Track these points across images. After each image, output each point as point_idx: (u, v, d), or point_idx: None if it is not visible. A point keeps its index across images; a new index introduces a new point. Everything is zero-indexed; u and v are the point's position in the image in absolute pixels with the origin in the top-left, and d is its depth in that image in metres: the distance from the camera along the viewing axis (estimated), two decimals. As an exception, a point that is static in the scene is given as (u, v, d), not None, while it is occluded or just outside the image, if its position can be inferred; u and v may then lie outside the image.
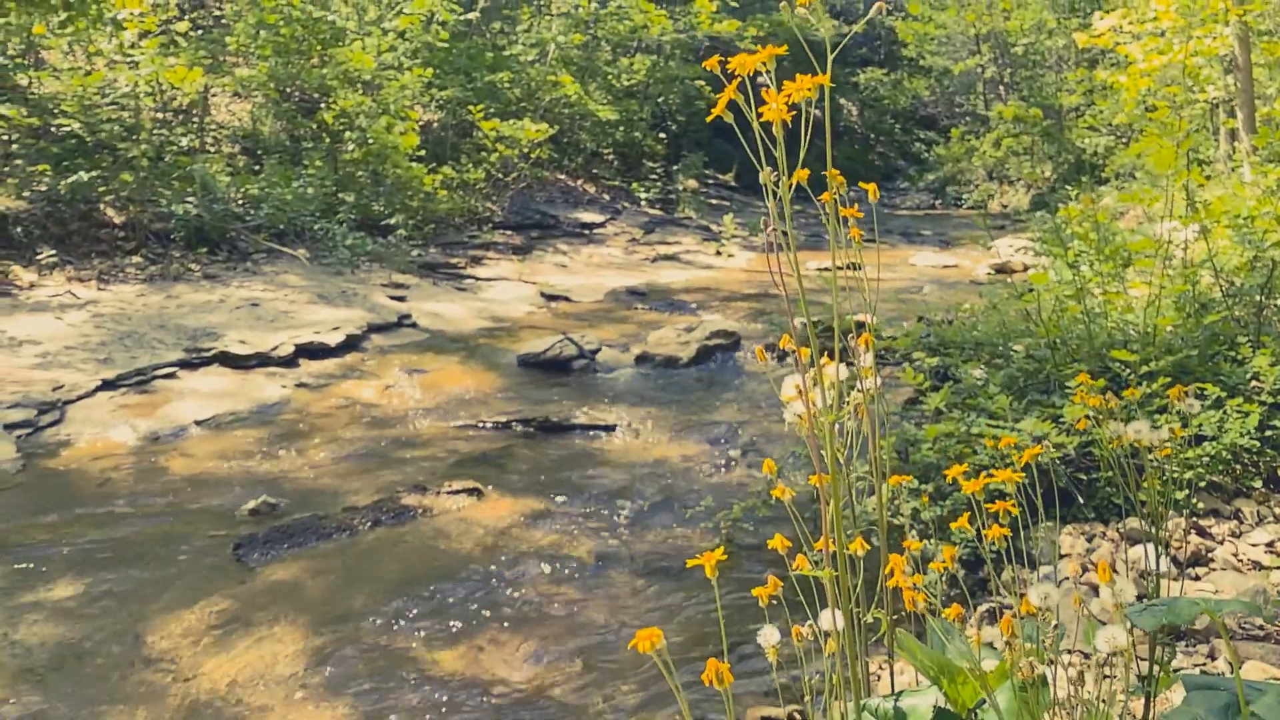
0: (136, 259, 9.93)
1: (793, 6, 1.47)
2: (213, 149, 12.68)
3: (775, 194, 1.42)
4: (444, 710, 3.33)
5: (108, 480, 5.44)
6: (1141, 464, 2.05)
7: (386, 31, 14.38)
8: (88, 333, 7.78)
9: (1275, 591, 3.30)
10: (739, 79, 1.36)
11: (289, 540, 4.65)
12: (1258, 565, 3.56)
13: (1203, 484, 3.95)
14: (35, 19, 10.52)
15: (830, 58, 1.42)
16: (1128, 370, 4.26)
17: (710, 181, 20.77)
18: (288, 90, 13.89)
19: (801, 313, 1.56)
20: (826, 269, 9.39)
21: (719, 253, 14.57)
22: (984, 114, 23.34)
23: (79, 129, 10.40)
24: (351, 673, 3.56)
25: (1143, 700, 1.94)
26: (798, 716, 2.98)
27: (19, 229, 9.57)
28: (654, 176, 18.62)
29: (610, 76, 18.60)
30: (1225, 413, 3.92)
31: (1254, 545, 3.67)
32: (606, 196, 17.70)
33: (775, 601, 1.69)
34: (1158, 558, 2.12)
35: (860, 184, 1.85)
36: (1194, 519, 3.83)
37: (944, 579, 2.02)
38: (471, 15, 16.92)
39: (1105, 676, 1.78)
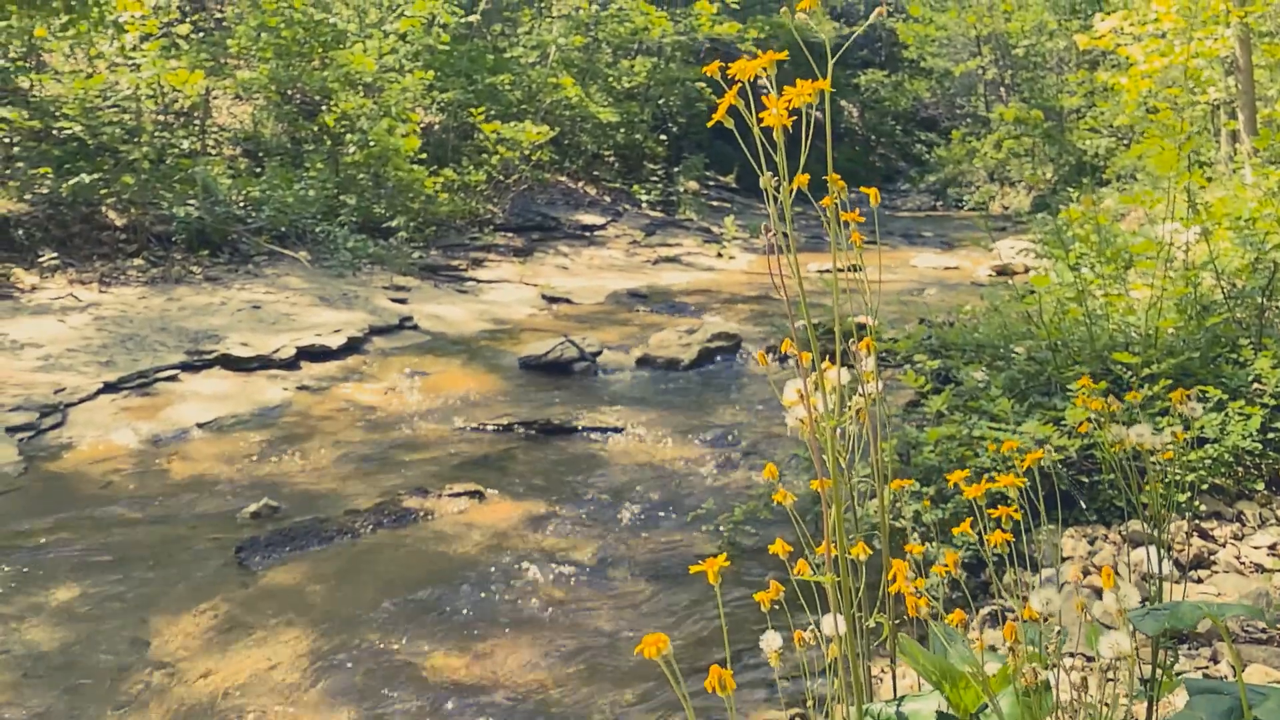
0: (138, 261, 9.94)
1: (793, 11, 1.47)
2: (214, 151, 12.69)
3: (776, 199, 1.42)
4: (446, 714, 3.33)
5: (109, 483, 5.44)
6: (1143, 466, 2.05)
7: (387, 34, 14.40)
8: (89, 335, 7.78)
9: (1278, 594, 3.29)
10: (739, 85, 1.36)
11: (290, 543, 4.65)
12: (1260, 568, 3.56)
13: (1205, 486, 3.95)
14: (37, 22, 10.53)
15: (831, 62, 1.42)
16: (1129, 372, 4.26)
17: (711, 183, 20.77)
18: (289, 93, 13.90)
19: (803, 315, 1.56)
20: (828, 271, 9.42)
21: (720, 255, 14.57)
22: (985, 115, 23.34)
23: (80, 132, 10.41)
24: (353, 676, 3.56)
25: (1145, 704, 1.94)
26: (800, 720, 2.97)
27: (20, 232, 9.57)
28: (655, 178, 18.63)
29: (611, 78, 18.60)
30: (1227, 415, 3.92)
31: (1256, 548, 3.67)
32: (607, 198, 17.70)
33: (777, 606, 1.69)
34: (1160, 561, 2.12)
35: (861, 186, 1.85)
36: (1196, 521, 3.82)
37: (945, 582, 2.02)
38: (472, 18, 16.93)
39: (1108, 680, 1.78)
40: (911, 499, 3.74)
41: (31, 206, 9.91)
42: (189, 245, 10.39)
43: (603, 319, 10.02)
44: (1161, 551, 2.10)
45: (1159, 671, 1.95)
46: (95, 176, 9.92)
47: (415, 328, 9.22)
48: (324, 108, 13.43)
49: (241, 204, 11.30)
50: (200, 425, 6.34)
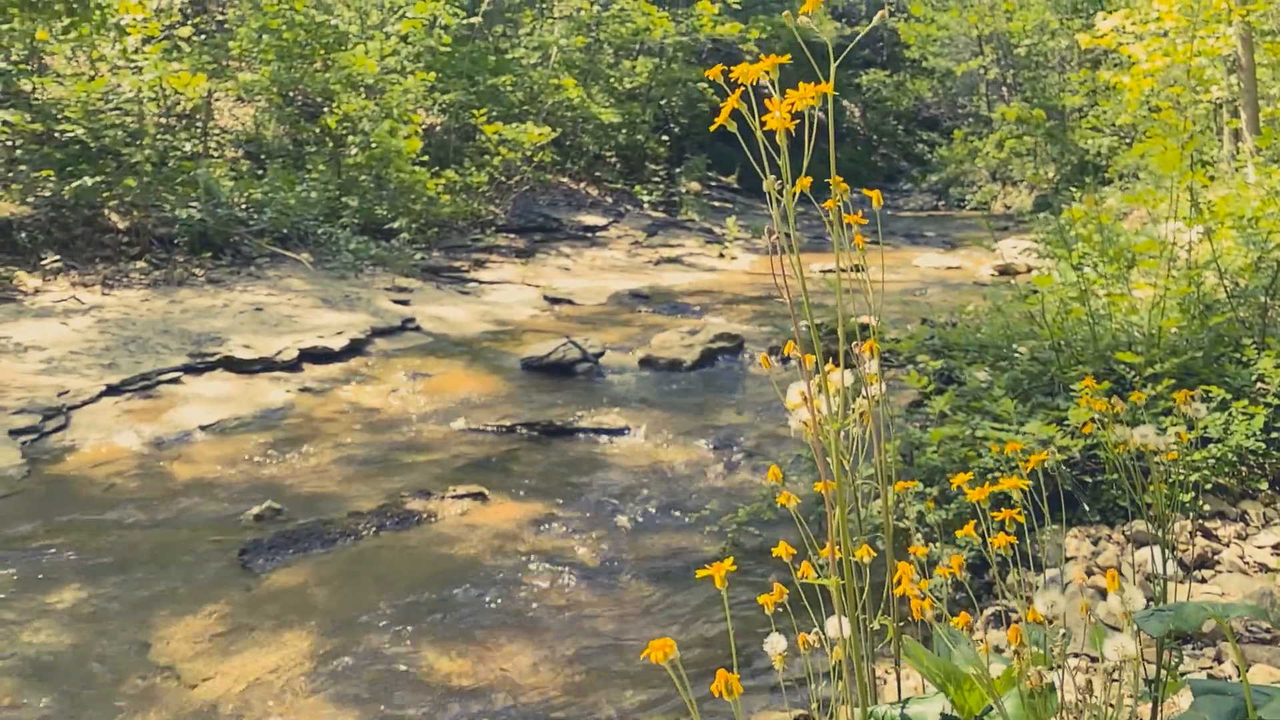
0: (140, 264, 9.95)
1: (795, 15, 1.47)
2: (216, 154, 12.70)
3: (779, 201, 1.42)
4: (450, 718, 3.33)
5: (113, 486, 5.44)
6: (1147, 466, 2.05)
7: (389, 35, 14.41)
8: (92, 338, 7.79)
9: (1282, 594, 3.29)
10: (742, 89, 1.36)
11: (294, 546, 4.65)
12: (1264, 567, 3.55)
13: (1208, 486, 3.94)
14: (39, 25, 10.54)
15: (834, 66, 1.42)
16: (1132, 372, 4.25)
17: (713, 184, 20.77)
18: (291, 95, 13.91)
19: (805, 317, 1.55)
20: (830, 271, 9.40)
21: (722, 255, 14.57)
22: (987, 115, 23.32)
23: (83, 134, 10.42)
24: (357, 679, 3.56)
25: (1150, 705, 1.94)
26: (804, 721, 2.97)
27: (23, 234, 9.59)
28: (657, 179, 18.62)
29: (613, 79, 18.60)
30: (1230, 415, 3.91)
31: (1260, 547, 3.66)
32: (609, 199, 17.70)
33: (781, 609, 1.69)
34: (1164, 561, 2.11)
35: (863, 186, 1.85)
36: (1200, 521, 3.82)
37: (949, 583, 2.02)
38: (474, 19, 16.94)
39: (1113, 680, 1.78)
40: (915, 500, 3.74)
41: (34, 209, 9.92)
42: (191, 247, 10.40)
43: (605, 320, 10.02)
44: (1165, 551, 2.09)
45: (1164, 672, 1.95)
46: (97, 179, 9.93)
47: (417, 329, 9.22)
48: (326, 109, 13.44)
49: (243, 206, 11.31)
50: (203, 427, 6.35)
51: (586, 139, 18.09)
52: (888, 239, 15.29)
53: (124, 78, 10.94)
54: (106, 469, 5.67)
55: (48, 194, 9.98)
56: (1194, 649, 3.04)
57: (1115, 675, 1.70)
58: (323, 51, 13.27)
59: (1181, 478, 3.64)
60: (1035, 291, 5.05)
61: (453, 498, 5.18)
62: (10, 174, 10.09)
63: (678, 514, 5.01)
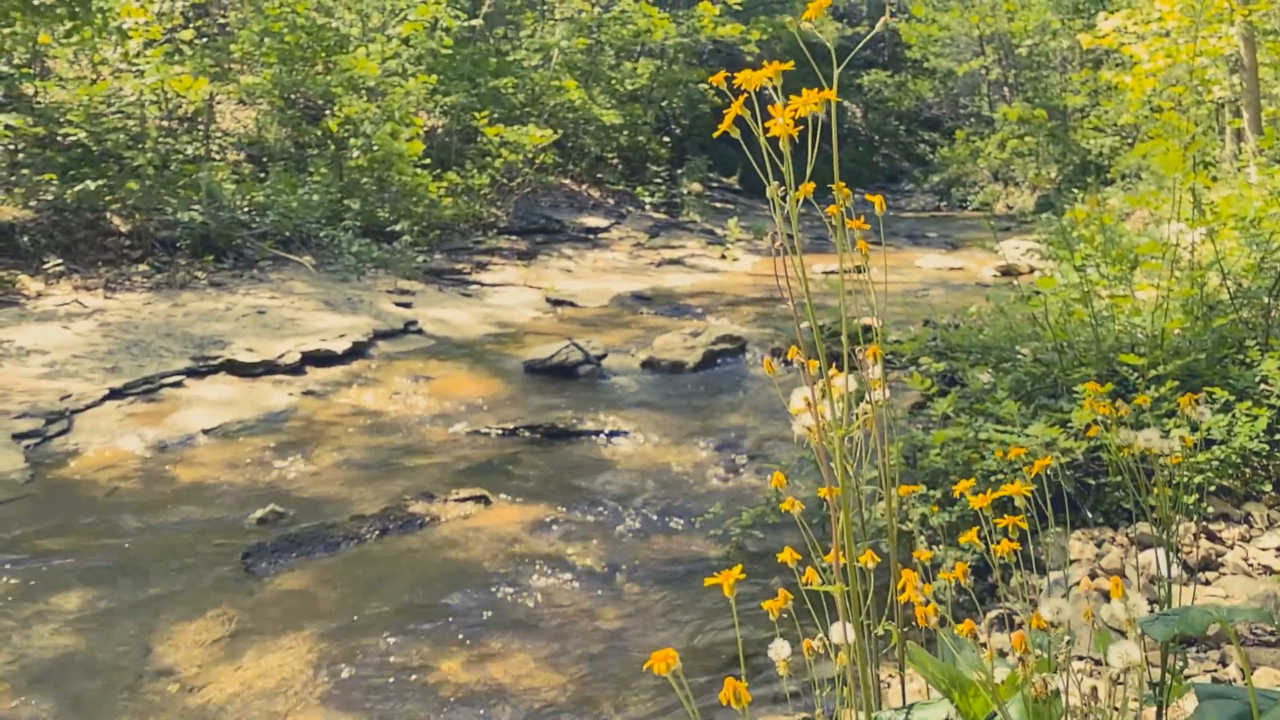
0: (143, 267, 9.96)
1: (796, 16, 1.47)
2: (218, 157, 12.71)
3: (783, 209, 1.42)
4: (453, 720, 3.33)
5: (116, 489, 5.45)
6: (1150, 468, 2.04)
7: (390, 38, 14.41)
8: (95, 342, 7.80)
9: (1286, 596, 3.28)
10: (745, 95, 1.36)
11: (297, 549, 4.65)
12: (1268, 570, 3.55)
13: (1212, 488, 3.93)
14: (41, 28, 10.55)
15: (837, 72, 1.42)
16: (1135, 374, 4.25)
17: (715, 185, 20.76)
18: (292, 97, 13.92)
19: (809, 319, 1.55)
20: (832, 272, 9.38)
21: (724, 256, 14.56)
22: (988, 115, 23.30)
23: (85, 138, 10.43)
24: (360, 683, 3.56)
25: (1154, 709, 1.93)
26: (808, 725, 2.97)
27: (26, 238, 9.60)
28: (658, 180, 18.62)
29: (614, 81, 18.60)
30: (1234, 416, 3.90)
31: (1264, 549, 3.66)
32: (611, 201, 17.70)
33: (785, 615, 1.69)
34: (1169, 564, 2.11)
35: (865, 186, 1.85)
36: (1204, 523, 3.81)
37: (953, 586, 2.02)
38: (475, 21, 16.94)
39: (1118, 683, 1.78)
40: (918, 502, 3.73)
41: (36, 213, 9.93)
42: (193, 251, 10.40)
43: (607, 322, 10.02)
44: (1170, 554, 2.09)
45: (1168, 676, 1.95)
46: (100, 183, 9.94)
47: (420, 332, 9.22)
48: (327, 112, 13.44)
49: (246, 209, 11.32)
50: (206, 431, 6.35)
51: (588, 141, 18.09)
52: (890, 240, 15.29)
53: (126, 81, 10.95)
54: (109, 473, 5.68)
55: (50, 197, 9.99)
56: (1198, 652, 3.04)
57: (1120, 679, 1.70)
58: (324, 54, 13.28)
59: (1185, 480, 3.63)
60: (1038, 293, 5.04)
61: (455, 501, 5.18)
62: (13, 177, 10.10)
63: (680, 517, 5.01)
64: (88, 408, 6.53)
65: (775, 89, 1.37)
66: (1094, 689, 1.62)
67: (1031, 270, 9.70)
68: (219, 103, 13.54)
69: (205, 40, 13.07)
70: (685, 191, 18.64)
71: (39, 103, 11.01)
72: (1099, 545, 3.78)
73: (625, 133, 18.37)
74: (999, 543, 1.76)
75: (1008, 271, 11.62)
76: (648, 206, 17.69)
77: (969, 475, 3.95)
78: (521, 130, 14.72)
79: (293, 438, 6.31)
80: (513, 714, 3.37)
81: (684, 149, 20.56)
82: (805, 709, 3.02)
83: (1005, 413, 4.10)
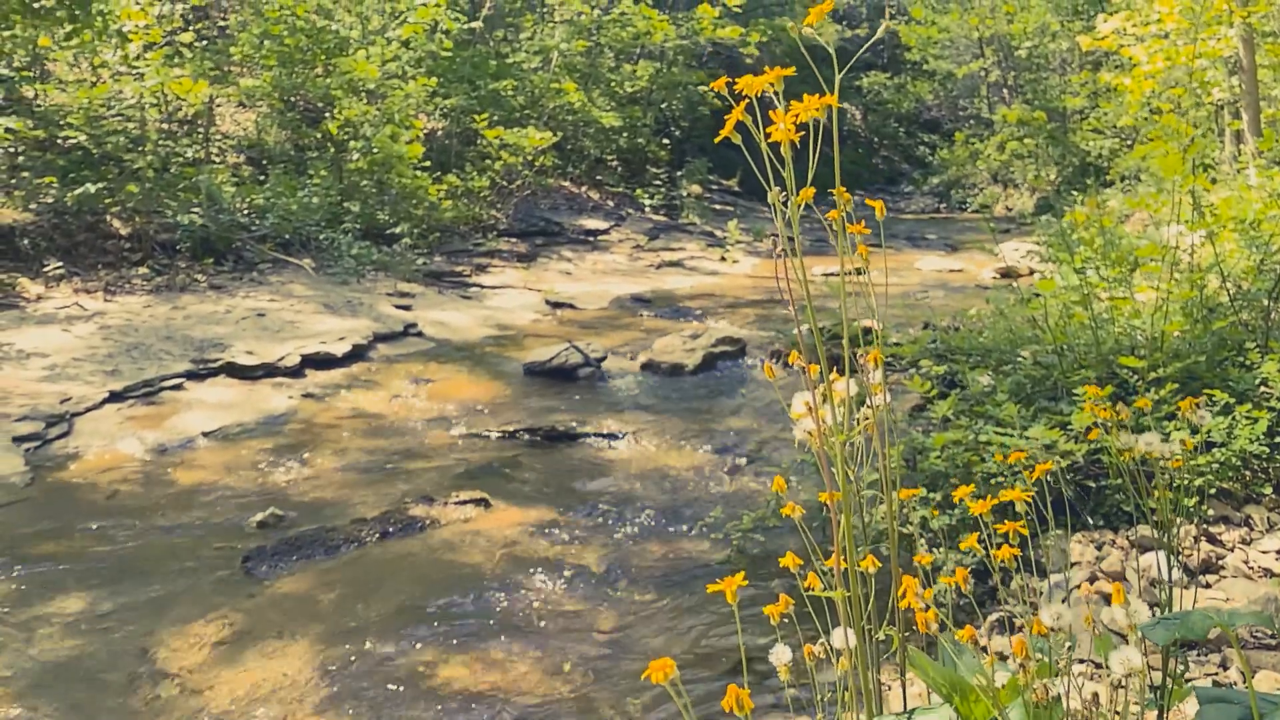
0: (143, 270, 9.96)
1: (795, 18, 1.47)
2: (218, 159, 12.71)
3: (784, 213, 1.42)
4: (453, 723, 3.33)
5: (116, 493, 5.45)
6: (1151, 471, 2.05)
7: (390, 40, 14.42)
8: (95, 344, 7.80)
9: (1287, 599, 3.28)
10: (747, 100, 1.36)
11: (297, 552, 4.65)
12: (1269, 572, 3.55)
13: (1212, 491, 3.94)
14: (41, 31, 10.56)
15: (839, 78, 1.42)
16: (1135, 377, 4.25)
17: (714, 187, 20.76)
18: (292, 100, 13.92)
19: (809, 321, 1.55)
20: (832, 274, 9.38)
21: (724, 259, 14.57)
22: (988, 117, 23.31)
23: (85, 141, 10.43)
24: (361, 686, 3.56)
25: (1156, 713, 1.93)
26: (808, 728, 2.97)
27: (26, 241, 9.60)
28: (658, 182, 18.62)
29: (614, 83, 18.61)
30: (1234, 419, 3.91)
31: (1264, 552, 3.65)
32: (611, 203, 17.70)
33: (786, 620, 1.69)
34: (1170, 567, 2.11)
35: (865, 189, 1.85)
36: (1204, 526, 3.81)
37: (953, 589, 2.02)
38: (475, 24, 16.95)
39: (1119, 686, 1.78)
40: (919, 504, 3.73)
41: (36, 216, 9.93)
42: (193, 253, 10.41)
43: (606, 324, 10.02)
44: (1170, 557, 2.09)
45: (1169, 680, 1.95)
46: (100, 185, 9.95)
47: (420, 334, 9.23)
48: (327, 115, 13.45)
49: (246, 212, 11.32)
50: (206, 434, 6.35)
51: (588, 143, 18.09)
52: (889, 242, 15.29)
53: (126, 84, 10.95)
54: (110, 476, 5.68)
55: (50, 200, 9.99)
56: (1199, 655, 3.04)
57: (1121, 683, 1.70)
58: (324, 57, 13.28)
59: (1186, 483, 3.64)
60: (1038, 295, 5.05)
61: (455, 504, 5.18)
62: (13, 180, 10.10)
63: (681, 520, 5.01)
64: (88, 411, 6.53)
65: (777, 94, 1.37)
66: (1095, 695, 1.62)
67: (1031, 272, 9.70)
68: (219, 105, 13.54)
69: (205, 43, 13.08)
70: (685, 194, 18.65)
71: (39, 105, 11.01)
72: (1099, 548, 3.78)
73: (625, 135, 18.38)
74: (999, 547, 1.76)
75: (1007, 273, 11.63)
76: (647, 209, 17.70)
77: (969, 478, 3.95)
78: (521, 132, 14.73)
79: (292, 440, 6.31)
80: (513, 716, 3.37)
81: (683, 151, 20.57)
82: (807, 713, 3.02)
83: (1005, 415, 4.10)
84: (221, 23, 15.35)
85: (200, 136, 12.62)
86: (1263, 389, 4.16)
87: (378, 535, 4.84)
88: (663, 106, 20.27)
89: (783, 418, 6.15)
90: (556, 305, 10.97)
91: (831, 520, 1.61)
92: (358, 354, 8.29)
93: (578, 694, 3.50)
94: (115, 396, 6.80)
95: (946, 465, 4.06)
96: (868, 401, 1.71)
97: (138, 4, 11.18)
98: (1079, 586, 3.35)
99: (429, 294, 10.83)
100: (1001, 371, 4.95)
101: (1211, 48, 10.37)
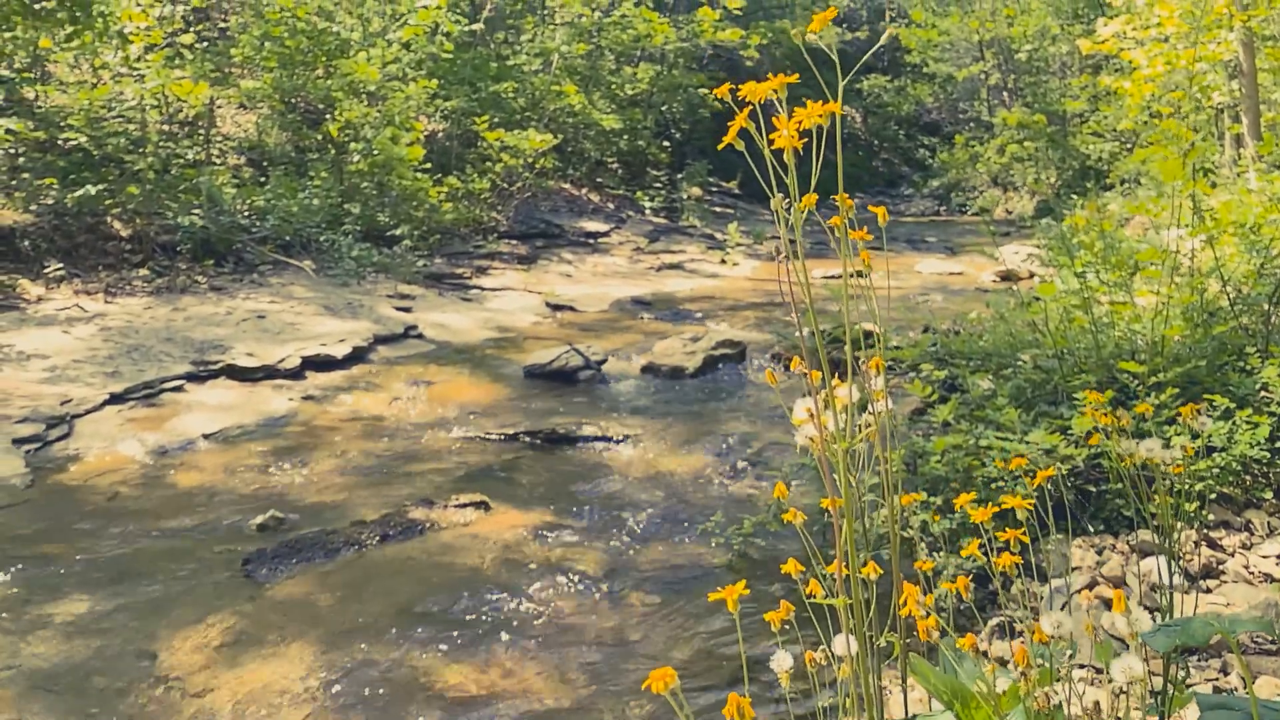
0: (143, 271, 9.96)
1: (795, 20, 1.48)
2: (218, 161, 12.72)
3: (786, 219, 1.42)
4: (453, 727, 3.33)
5: (116, 494, 5.44)
6: (1151, 476, 2.04)
7: (391, 42, 14.42)
8: (95, 346, 7.80)
9: (1287, 604, 3.28)
10: (750, 106, 1.36)
11: (297, 555, 4.65)
12: (1269, 577, 3.55)
13: (1213, 496, 3.94)
14: (41, 33, 10.56)
15: (842, 84, 1.42)
16: (1135, 381, 4.25)
17: (714, 189, 20.77)
18: (293, 102, 13.93)
19: (810, 324, 1.55)
20: (832, 277, 9.37)
21: (724, 261, 14.57)
22: (988, 120, 23.32)
23: (85, 142, 10.44)
24: (361, 689, 3.56)
25: (1157, 719, 1.93)
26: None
27: (26, 243, 9.60)
28: (658, 185, 18.63)
29: (614, 85, 18.62)
30: (1234, 424, 3.91)
31: (1265, 557, 3.65)
32: (611, 205, 17.71)
33: (787, 625, 1.69)
34: (1170, 572, 2.11)
35: (865, 192, 1.85)
36: (1204, 531, 3.81)
37: (954, 596, 2.02)
38: (476, 26, 16.96)
39: (1120, 693, 1.78)
40: (920, 509, 3.73)
41: (37, 217, 9.93)
42: (194, 255, 10.41)
43: (607, 326, 10.02)
44: (1171, 562, 2.09)
45: (1170, 686, 1.95)
46: (100, 187, 9.95)
47: (420, 336, 9.23)
48: (328, 117, 13.46)
49: (246, 213, 11.33)
50: (206, 436, 6.35)
51: (588, 145, 18.11)
52: (889, 245, 15.25)
53: (127, 85, 10.96)
54: (110, 478, 5.68)
55: (51, 202, 10.00)
56: (1199, 660, 3.04)
57: (1123, 690, 1.70)
58: (325, 59, 13.29)
59: (1186, 487, 3.64)
60: (1038, 299, 5.05)
61: (456, 507, 5.18)
62: (13, 182, 10.11)
63: (681, 523, 5.01)
64: (88, 412, 6.53)
65: (779, 101, 1.37)
66: (1096, 703, 1.61)
67: (1031, 275, 9.71)
68: (219, 107, 13.55)
69: (206, 45, 13.09)
70: (685, 196, 18.66)
71: (40, 107, 11.02)
72: (1100, 553, 3.78)
73: (625, 137, 18.40)
74: (1000, 553, 1.76)
75: (1007, 277, 11.64)
76: (647, 211, 17.70)
77: (970, 482, 3.95)
78: (522, 135, 14.74)
79: (293, 443, 6.31)
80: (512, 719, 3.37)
81: (684, 153, 20.59)
82: (807, 717, 3.02)
83: (1006, 419, 4.10)
84: (222, 24, 15.36)
85: (201, 138, 12.63)
86: (1263, 394, 4.16)
87: (378, 538, 4.84)
88: (663, 109, 20.29)
89: (783, 421, 6.15)
90: (557, 307, 10.97)
91: (833, 525, 1.61)
92: (358, 356, 8.29)
93: (578, 697, 3.50)
94: (115, 398, 6.80)
95: (947, 470, 4.06)
96: (869, 407, 1.72)
97: (139, 5, 11.19)
98: (1079, 591, 3.35)
99: (429, 296, 10.84)
100: (1002, 376, 4.95)
101: (1211, 51, 10.38)
